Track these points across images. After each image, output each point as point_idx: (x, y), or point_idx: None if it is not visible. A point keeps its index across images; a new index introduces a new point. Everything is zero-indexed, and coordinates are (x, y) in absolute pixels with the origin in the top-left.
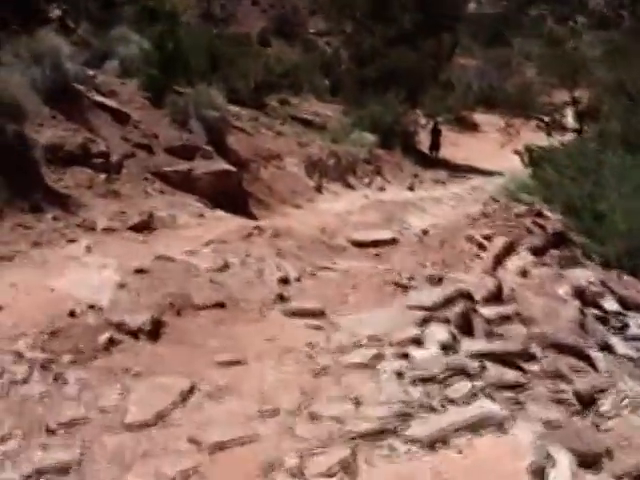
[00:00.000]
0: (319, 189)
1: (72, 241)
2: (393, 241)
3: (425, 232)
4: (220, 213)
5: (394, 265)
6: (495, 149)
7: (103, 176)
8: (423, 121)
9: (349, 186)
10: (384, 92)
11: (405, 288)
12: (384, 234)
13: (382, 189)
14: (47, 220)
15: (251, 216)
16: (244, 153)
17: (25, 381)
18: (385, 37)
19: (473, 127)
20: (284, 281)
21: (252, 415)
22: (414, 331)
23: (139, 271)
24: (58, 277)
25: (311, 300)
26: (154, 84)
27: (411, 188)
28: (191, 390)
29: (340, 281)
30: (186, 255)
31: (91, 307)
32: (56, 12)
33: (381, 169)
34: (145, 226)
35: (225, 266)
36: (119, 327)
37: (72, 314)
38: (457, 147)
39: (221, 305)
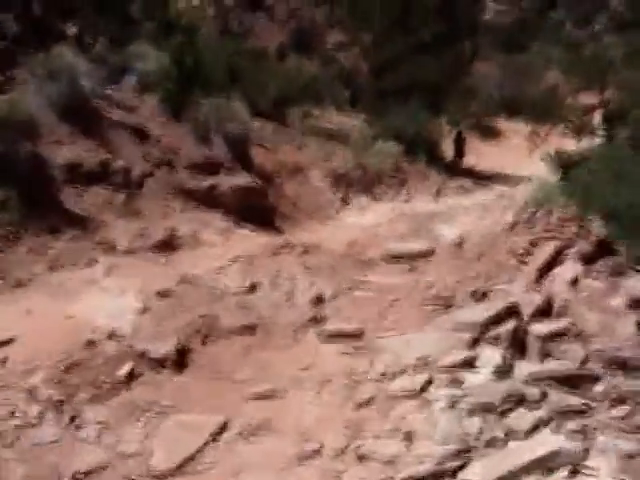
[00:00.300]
0: (345, 202)
1: (91, 263)
2: (428, 253)
3: (461, 242)
4: (246, 229)
5: (432, 279)
6: (520, 156)
7: (123, 195)
8: (446, 130)
9: (375, 198)
10: (406, 101)
11: (448, 305)
12: (417, 245)
13: (408, 200)
14: (65, 241)
15: (278, 231)
16: (268, 167)
17: (38, 423)
18: (406, 46)
19: (496, 134)
20: (317, 300)
21: (292, 457)
22: (464, 354)
23: (162, 294)
24: (76, 302)
25: (348, 320)
26: (174, 99)
27: (437, 197)
28: (222, 429)
29: (377, 298)
30: (211, 275)
31: (111, 335)
32: (72, 29)
33: (406, 180)
34: (167, 245)
35: (253, 286)
36: (141, 357)
37: (90, 344)
38: (481, 155)
39: (251, 329)
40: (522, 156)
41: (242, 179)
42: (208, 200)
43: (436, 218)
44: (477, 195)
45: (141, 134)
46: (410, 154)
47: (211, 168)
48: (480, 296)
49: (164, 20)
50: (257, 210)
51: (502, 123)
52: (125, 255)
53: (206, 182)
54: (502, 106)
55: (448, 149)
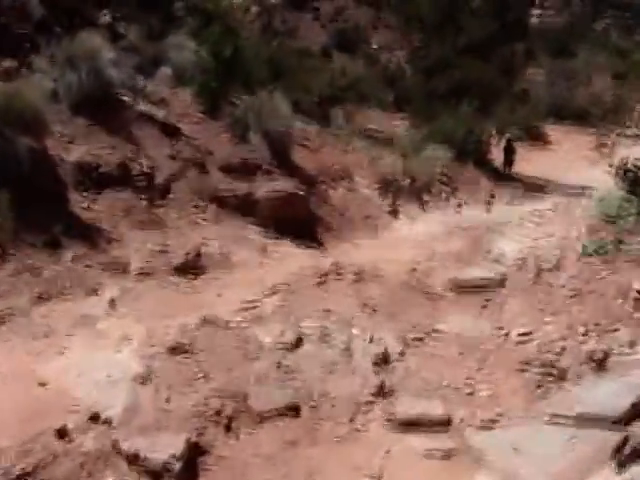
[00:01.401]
0: (394, 213)
1: (93, 291)
2: (499, 282)
3: (540, 271)
4: (285, 245)
5: (515, 322)
6: (570, 164)
7: (145, 201)
8: (495, 135)
9: (425, 208)
10: (454, 104)
11: (559, 377)
12: (486, 272)
13: (459, 209)
14: (64, 261)
15: (320, 246)
16: (310, 171)
17: None
18: (454, 47)
19: (544, 140)
20: (382, 360)
21: None
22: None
23: (174, 349)
24: (57, 358)
25: (425, 396)
26: (210, 93)
27: (489, 206)
28: None
29: (456, 356)
30: (242, 316)
31: (93, 419)
32: (106, 18)
33: (456, 187)
34: (192, 266)
35: (299, 340)
36: (133, 462)
37: (61, 435)
38: (529, 161)
39: (293, 410)
40: (573, 163)
41: (282, 184)
42: (243, 208)
43: (492, 232)
44: (529, 205)
45: (171, 131)
46: (459, 159)
47: (248, 171)
48: (599, 362)
49: (205, 15)
50: (297, 220)
51: (551, 129)
52: (139, 279)
53: (241, 189)
54: (551, 111)
55: (497, 154)
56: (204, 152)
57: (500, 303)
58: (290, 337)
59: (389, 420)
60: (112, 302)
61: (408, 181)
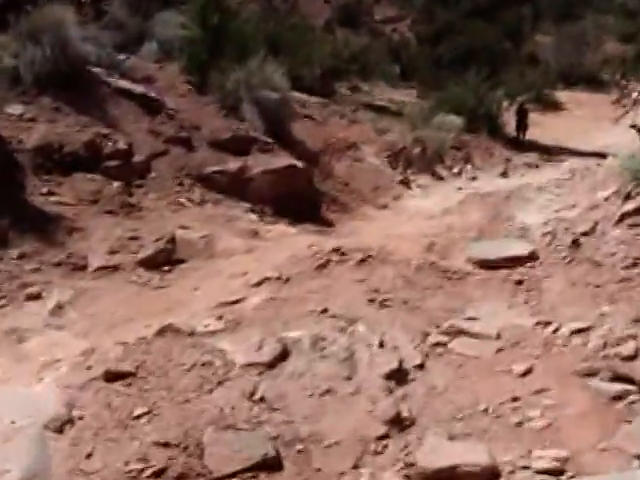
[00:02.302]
0: (406, 183)
1: (35, 296)
2: (532, 257)
3: (576, 241)
4: (281, 226)
5: (561, 313)
6: (584, 128)
7: (117, 184)
8: (505, 101)
9: (438, 177)
10: (462, 72)
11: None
12: (517, 248)
13: (474, 178)
14: (8, 259)
15: (324, 224)
16: (313, 144)
17: None
18: (459, 11)
19: (556, 106)
20: (395, 375)
21: None
22: None
23: (113, 374)
24: None
25: (458, 431)
26: (199, 66)
27: (505, 175)
28: None
29: (492, 363)
30: (215, 320)
31: None
32: None
33: (470, 155)
34: (165, 259)
35: (284, 353)
36: None
37: None
38: (542, 127)
39: (270, 466)
40: (588, 128)
41: (280, 159)
42: (234, 188)
43: (511, 200)
44: (547, 171)
45: (153, 106)
46: (471, 127)
47: (240, 146)
48: None
49: None
50: (298, 198)
51: (562, 94)
52: (99, 277)
53: (233, 165)
54: (560, 76)
55: (509, 121)
56: (190, 127)
57: (537, 284)
58: (272, 349)
59: (407, 475)
60: (58, 309)
61: (419, 150)
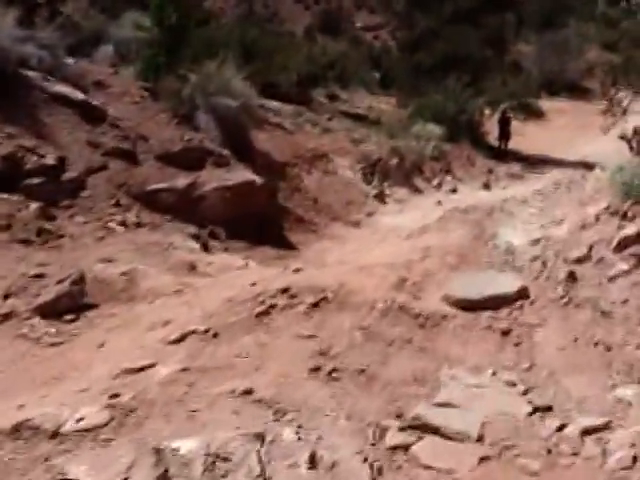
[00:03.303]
0: (381, 197)
1: None
2: (521, 295)
3: (572, 275)
4: (226, 256)
5: (563, 393)
6: (568, 137)
7: (37, 206)
8: (487, 110)
9: (416, 190)
10: (443, 79)
11: None
12: (503, 283)
13: (454, 190)
14: None
15: (287, 246)
16: (280, 155)
17: None
18: (441, 17)
19: (539, 114)
20: None
21: None
22: None
23: None
24: None
25: None
26: (155, 70)
27: (487, 186)
28: None
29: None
30: (94, 414)
31: None
32: None
33: (450, 166)
34: (69, 304)
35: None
36: None
37: None
38: (525, 136)
39: None
40: (572, 137)
41: (237, 174)
42: (182, 207)
43: (494, 215)
44: (530, 182)
45: (94, 115)
46: (451, 137)
47: (193, 159)
48: None
49: None
50: (257, 217)
51: (545, 102)
52: None
53: (181, 181)
54: (542, 85)
55: (491, 130)
56: (137, 138)
57: (528, 335)
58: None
59: None
60: None
61: (396, 161)
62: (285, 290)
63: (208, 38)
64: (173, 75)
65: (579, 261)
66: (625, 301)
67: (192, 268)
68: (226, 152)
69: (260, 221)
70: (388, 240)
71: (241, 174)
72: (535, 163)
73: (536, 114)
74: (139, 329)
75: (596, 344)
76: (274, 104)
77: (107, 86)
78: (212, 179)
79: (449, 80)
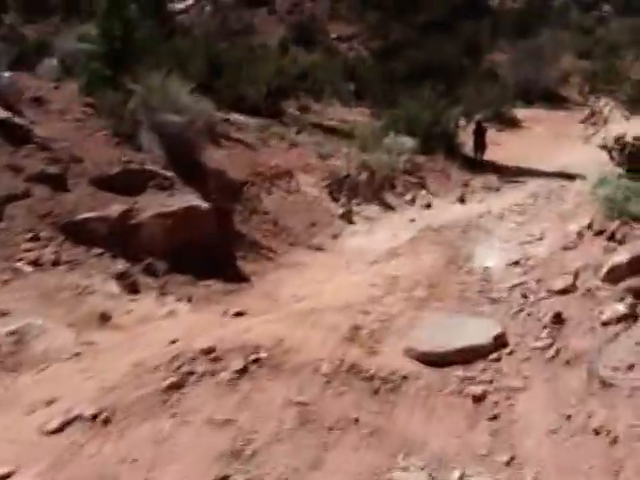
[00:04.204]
0: (348, 217)
1: None
2: (498, 344)
3: (558, 317)
4: (149, 302)
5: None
6: (544, 146)
7: None
8: (462, 120)
9: (388, 206)
10: (417, 88)
11: None
12: (476, 329)
13: (428, 205)
14: None
15: (238, 278)
16: (238, 174)
17: None
18: (414, 25)
19: (515, 123)
20: None
21: None
22: None
23: None
24: None
25: None
26: (99, 85)
27: (462, 200)
28: None
29: None
30: None
31: None
32: None
33: (424, 180)
34: None
35: None
36: None
37: None
38: (501, 146)
39: None
40: (550, 146)
41: (180, 198)
42: (116, 239)
43: (470, 233)
44: (508, 194)
45: (18, 135)
46: (426, 148)
47: (132, 183)
48: None
49: None
50: (203, 247)
51: (521, 111)
52: None
53: (117, 207)
54: (518, 93)
55: (467, 141)
56: (69, 160)
57: (507, 405)
58: None
59: None
60: None
61: (365, 176)
62: (209, 351)
63: (174, 51)
64: (120, 90)
65: (564, 292)
66: (630, 367)
67: (105, 319)
68: (171, 174)
69: (207, 251)
70: (352, 267)
71: (186, 198)
72: (512, 174)
73: (512, 123)
74: (16, 412)
75: (597, 431)
76: (239, 118)
77: (46, 102)
78: (152, 205)
79: (423, 90)
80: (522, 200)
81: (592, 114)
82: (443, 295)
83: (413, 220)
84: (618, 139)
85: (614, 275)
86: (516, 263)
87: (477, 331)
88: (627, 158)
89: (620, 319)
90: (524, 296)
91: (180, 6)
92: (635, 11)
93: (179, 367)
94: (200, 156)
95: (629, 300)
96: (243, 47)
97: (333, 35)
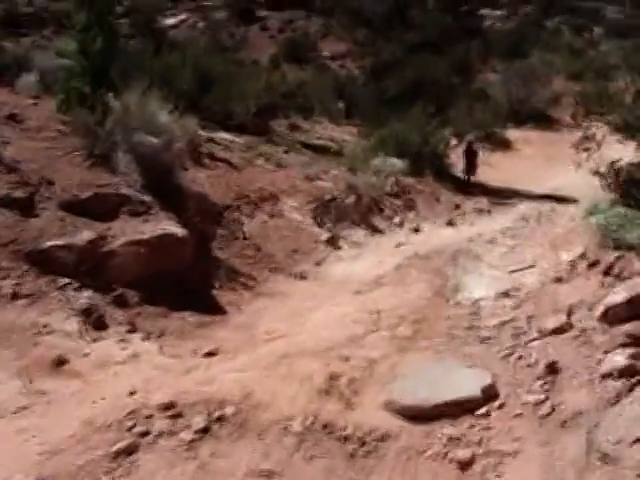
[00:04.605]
0: (334, 242)
1: None
2: (488, 398)
3: (552, 367)
4: (110, 343)
5: None
6: (535, 168)
7: None
8: (453, 141)
9: (375, 230)
10: (408, 108)
11: None
12: (465, 379)
13: (417, 230)
14: None
15: (214, 309)
16: (221, 197)
17: None
18: (404, 44)
19: (506, 144)
20: None
21: None
22: None
23: None
24: None
25: None
26: (77, 102)
27: (452, 223)
28: None
29: None
30: None
31: None
32: None
33: (413, 202)
34: None
35: None
36: None
37: None
38: (492, 168)
39: None
40: (542, 168)
41: (155, 225)
42: (85, 268)
43: (459, 260)
44: (498, 218)
45: None
46: (415, 170)
47: (105, 208)
48: None
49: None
50: (179, 276)
51: (512, 132)
52: None
53: (87, 234)
54: (509, 114)
55: (457, 162)
56: (39, 183)
57: (498, 473)
58: None
59: None
60: None
61: (353, 199)
62: (168, 407)
63: (163, 66)
64: (97, 108)
65: (557, 332)
66: (636, 441)
67: (59, 364)
68: (147, 198)
69: (183, 280)
70: (335, 297)
71: (161, 225)
72: (503, 196)
73: (503, 144)
74: None
75: None
76: (226, 136)
77: (21, 120)
78: (125, 232)
79: (413, 110)
80: (513, 223)
81: (585, 137)
82: (430, 333)
83: (401, 245)
84: (612, 164)
85: (611, 316)
86: (506, 294)
87: (465, 381)
88: (621, 184)
89: (621, 373)
90: (515, 337)
91: (171, 21)
92: (624, 34)
93: (132, 426)
94: (179, 179)
95: (629, 350)
96: (233, 63)
97: (326, 53)
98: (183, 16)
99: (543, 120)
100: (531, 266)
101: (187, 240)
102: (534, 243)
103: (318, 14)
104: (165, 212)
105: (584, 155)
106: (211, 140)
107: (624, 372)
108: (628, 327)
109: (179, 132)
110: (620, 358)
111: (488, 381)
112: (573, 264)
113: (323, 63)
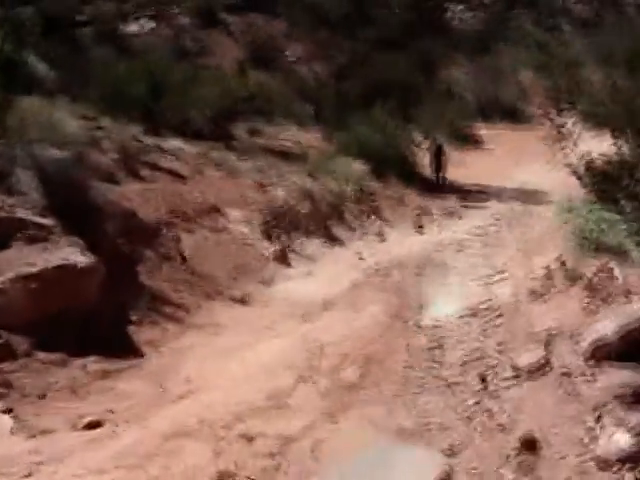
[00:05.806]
0: (283, 258)
1: None
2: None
3: (528, 445)
4: None
5: None
6: (505, 165)
7: None
8: (420, 140)
9: (334, 240)
10: (371, 108)
11: None
12: (406, 471)
13: (382, 237)
14: None
15: (127, 350)
16: (154, 213)
17: None
18: (367, 42)
19: (475, 142)
20: None
21: None
22: None
23: None
24: None
25: None
26: None
27: (420, 228)
28: None
29: None
30: None
31: None
32: None
33: (378, 208)
34: None
35: None
36: None
37: None
38: (462, 167)
39: None
40: (514, 165)
41: (56, 253)
42: None
43: (425, 272)
44: (468, 219)
45: None
46: (380, 173)
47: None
48: None
49: None
50: (84, 315)
51: (481, 128)
52: None
53: None
54: (477, 110)
55: (424, 163)
56: None
57: None
58: None
59: None
60: None
61: (308, 207)
62: None
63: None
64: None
65: (534, 372)
66: None
67: None
68: (49, 222)
69: (90, 317)
70: (276, 327)
71: (61, 253)
72: (473, 196)
73: (473, 142)
74: None
75: None
76: (176, 144)
77: None
78: (14, 264)
79: (375, 110)
80: (484, 227)
81: (557, 131)
82: (379, 375)
83: (362, 257)
84: (587, 162)
85: (600, 354)
86: (475, 314)
87: (409, 472)
88: (596, 182)
89: (626, 459)
90: (482, 379)
91: (135, 29)
92: (591, 28)
93: None
94: (94, 196)
95: (636, 426)
96: (194, 68)
97: (290, 55)
98: (146, 23)
99: (512, 115)
100: (502, 271)
101: (93, 270)
102: (506, 248)
103: (280, 16)
104: (72, 237)
105: (557, 150)
106: (157, 148)
107: (630, 459)
108: (623, 373)
109: (108, 141)
110: (623, 438)
111: (439, 471)
112: (549, 273)
113: (289, 66)
